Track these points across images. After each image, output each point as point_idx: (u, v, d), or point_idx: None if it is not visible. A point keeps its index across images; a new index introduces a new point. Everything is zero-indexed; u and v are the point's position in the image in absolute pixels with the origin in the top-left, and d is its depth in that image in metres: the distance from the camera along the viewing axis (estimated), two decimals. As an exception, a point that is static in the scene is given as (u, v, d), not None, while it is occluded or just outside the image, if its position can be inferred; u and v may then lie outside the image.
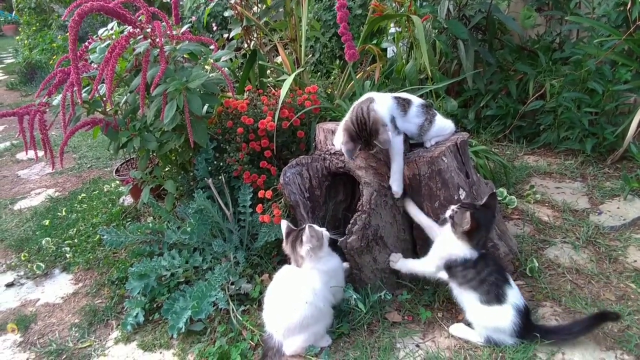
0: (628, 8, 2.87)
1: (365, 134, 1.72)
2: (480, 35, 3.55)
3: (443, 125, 1.97)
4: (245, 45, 2.82)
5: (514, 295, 1.66)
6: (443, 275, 1.77)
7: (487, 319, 1.67)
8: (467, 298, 1.71)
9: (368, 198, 1.82)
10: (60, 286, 2.38)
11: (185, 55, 2.20)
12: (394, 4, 2.70)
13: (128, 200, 3.01)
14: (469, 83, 3.36)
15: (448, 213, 1.73)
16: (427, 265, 1.80)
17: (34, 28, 6.87)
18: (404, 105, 1.89)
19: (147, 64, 1.91)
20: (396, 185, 1.85)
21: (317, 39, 3.86)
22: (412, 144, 2.00)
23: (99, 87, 2.12)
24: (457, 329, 1.78)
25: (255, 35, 2.72)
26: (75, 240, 2.68)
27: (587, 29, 3.35)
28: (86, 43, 2.13)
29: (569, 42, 3.49)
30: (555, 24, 3.72)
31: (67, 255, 2.57)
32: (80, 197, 3.17)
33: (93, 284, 2.35)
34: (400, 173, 1.85)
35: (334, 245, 1.85)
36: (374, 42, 2.96)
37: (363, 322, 1.84)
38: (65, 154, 4.21)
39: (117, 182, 3.21)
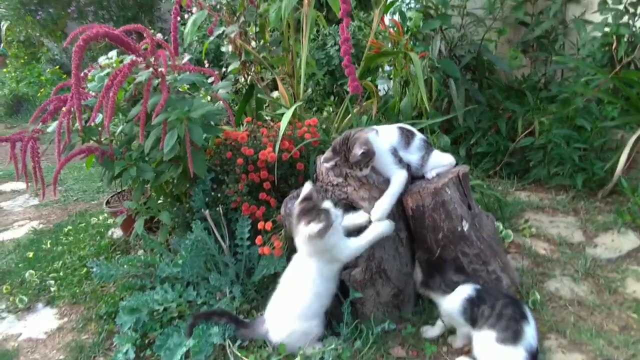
0: (614, 47, 2.99)
1: (344, 147, 1.74)
2: (469, 75, 3.65)
3: (441, 157, 1.98)
4: (242, 80, 2.84)
5: (531, 333, 1.62)
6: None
7: (498, 358, 1.62)
8: (482, 338, 1.66)
9: (371, 229, 1.80)
10: (44, 321, 2.27)
11: (182, 89, 2.19)
12: (389, 43, 2.76)
13: (117, 233, 2.92)
14: (460, 120, 3.43)
15: None
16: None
17: (22, 61, 6.85)
18: (408, 136, 1.90)
19: (148, 92, 1.90)
20: (379, 211, 1.75)
21: (309, 77, 3.92)
22: (413, 177, 2.00)
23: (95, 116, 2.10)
24: (463, 364, 1.74)
25: (252, 70, 2.75)
26: (61, 274, 2.57)
27: (572, 69, 3.49)
28: (85, 71, 2.11)
29: (554, 82, 3.61)
30: (541, 65, 3.85)
31: (52, 289, 2.46)
32: (66, 230, 3.07)
33: (79, 318, 2.24)
34: (391, 200, 1.78)
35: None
36: (369, 79, 3.01)
37: (366, 358, 1.78)
38: (51, 186, 4.12)
39: (106, 214, 3.13)
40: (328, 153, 1.81)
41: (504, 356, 1.61)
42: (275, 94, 2.89)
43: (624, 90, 3.01)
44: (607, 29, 3.08)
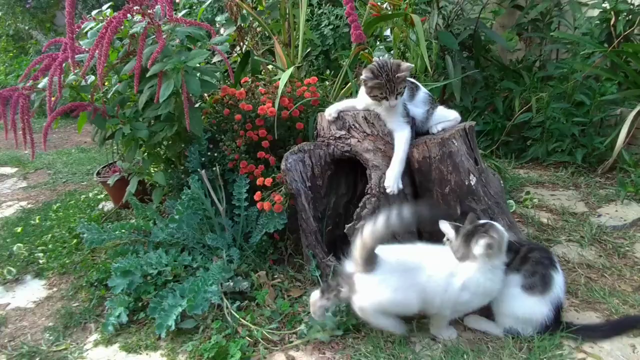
0: (612, 23, 2.98)
1: (386, 68, 1.65)
2: (466, 53, 3.62)
3: (446, 112, 1.94)
4: (238, 49, 2.77)
5: (559, 283, 1.54)
6: None
7: (521, 308, 1.54)
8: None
9: (377, 181, 1.74)
10: (32, 291, 2.16)
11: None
12: (389, 7, 2.71)
13: (108, 205, 2.82)
14: (457, 98, 3.39)
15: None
16: None
17: (11, 55, 6.73)
18: (412, 88, 1.84)
19: (144, 42, 1.82)
20: (392, 180, 1.71)
21: (304, 57, 3.87)
22: (418, 133, 1.94)
23: (87, 77, 2.02)
24: (472, 320, 1.66)
25: (248, 37, 2.68)
26: (50, 246, 2.46)
27: (568, 49, 3.47)
28: (79, 23, 2.03)
29: (550, 63, 3.60)
30: (536, 47, 3.84)
31: (40, 261, 2.35)
32: (55, 207, 2.97)
33: (69, 287, 2.14)
34: (401, 166, 1.73)
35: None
36: (367, 51, 2.95)
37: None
38: (39, 170, 4.02)
39: (96, 191, 3.03)
40: (367, 73, 1.68)
41: (528, 307, 1.53)
42: (270, 67, 2.82)
43: (622, 67, 2.99)
44: (605, 5, 3.08)
